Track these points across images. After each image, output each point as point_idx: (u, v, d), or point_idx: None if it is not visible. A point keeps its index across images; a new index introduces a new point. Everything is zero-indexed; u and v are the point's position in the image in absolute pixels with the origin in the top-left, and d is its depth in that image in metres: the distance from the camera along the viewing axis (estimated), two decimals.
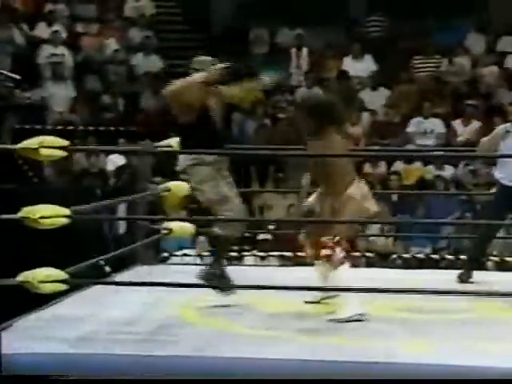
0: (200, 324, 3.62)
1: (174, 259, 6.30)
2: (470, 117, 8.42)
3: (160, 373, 2.99)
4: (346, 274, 3.66)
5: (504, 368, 2.93)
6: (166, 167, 7.82)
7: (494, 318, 3.69)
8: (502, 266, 6.29)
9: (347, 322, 3.58)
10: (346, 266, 3.67)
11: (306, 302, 3.88)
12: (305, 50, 9.57)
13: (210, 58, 4.01)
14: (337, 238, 3.64)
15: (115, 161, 8.12)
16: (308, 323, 3.61)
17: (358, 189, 3.80)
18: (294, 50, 9.60)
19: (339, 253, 3.65)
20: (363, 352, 3.11)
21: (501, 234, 6.47)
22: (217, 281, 3.83)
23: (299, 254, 6.44)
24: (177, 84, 3.95)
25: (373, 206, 3.81)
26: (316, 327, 3.54)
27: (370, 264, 6.53)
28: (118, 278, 4.55)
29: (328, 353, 3.11)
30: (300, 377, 2.96)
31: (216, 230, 3.86)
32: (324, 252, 3.66)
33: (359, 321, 3.59)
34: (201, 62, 4.02)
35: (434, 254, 6.88)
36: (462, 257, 6.27)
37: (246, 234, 7.07)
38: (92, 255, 4.07)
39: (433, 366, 2.95)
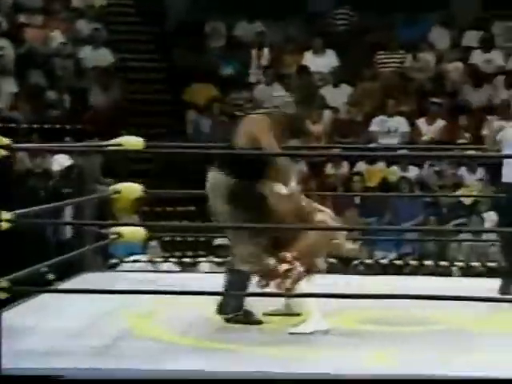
0: (149, 335, 3.57)
1: (123, 266, 6.22)
2: (435, 115, 8.51)
3: None
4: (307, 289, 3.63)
5: (467, 379, 2.95)
6: (116, 168, 7.76)
7: (466, 328, 3.71)
8: (468, 272, 6.36)
9: (308, 334, 3.55)
10: (304, 282, 3.64)
11: (265, 314, 3.85)
12: (264, 45, 9.56)
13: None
14: (293, 253, 3.62)
15: (61, 161, 8.00)
16: (265, 335, 3.59)
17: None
18: (252, 45, 9.59)
19: (298, 268, 3.62)
20: (310, 364, 3.12)
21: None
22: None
23: None
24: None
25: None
26: (273, 339, 3.52)
27: (330, 270, 6.53)
28: (64, 285, 4.46)
29: (276, 365, 3.10)
30: None
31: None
32: (283, 267, 3.64)
33: (320, 333, 3.56)
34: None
35: (398, 259, 6.93)
36: (426, 262, 6.34)
37: (202, 239, 7.06)
38: (34, 262, 3.98)
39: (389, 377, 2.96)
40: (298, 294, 3.62)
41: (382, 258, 6.94)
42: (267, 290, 3.73)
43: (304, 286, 3.64)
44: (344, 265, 6.84)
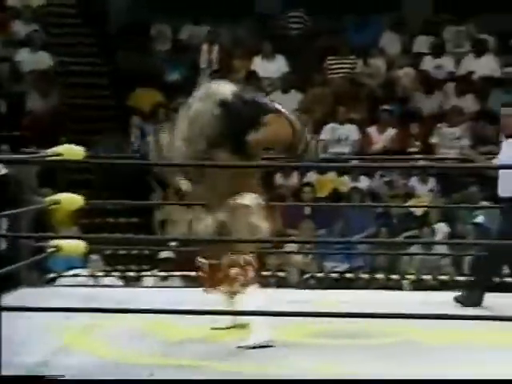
0: (87, 351, 3.60)
1: (62, 280, 6.20)
2: (386, 123, 8.67)
3: None
4: (256, 297, 3.70)
5: None
6: (55, 177, 7.72)
7: (413, 341, 3.80)
8: (419, 286, 6.49)
9: (254, 348, 3.62)
10: (255, 287, 3.72)
11: (213, 329, 3.90)
12: (212, 48, 9.61)
13: None
14: (246, 257, 3.69)
15: None
16: (211, 348, 3.64)
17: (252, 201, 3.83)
18: (200, 48, 9.63)
19: (249, 273, 3.69)
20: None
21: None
22: None
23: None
24: None
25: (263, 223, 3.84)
26: (219, 353, 3.57)
27: (281, 284, 6.62)
28: None
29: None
30: None
31: None
32: (232, 272, 3.70)
33: (267, 347, 3.64)
34: None
35: (349, 272, 7.04)
36: (377, 275, 6.46)
37: (146, 252, 7.07)
38: None
39: None
40: (250, 311, 3.66)
41: (333, 272, 7.03)
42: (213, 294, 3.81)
43: (253, 293, 3.70)
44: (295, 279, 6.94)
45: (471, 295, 4.54)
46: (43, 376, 2.99)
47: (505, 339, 3.72)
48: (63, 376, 2.99)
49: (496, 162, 4.80)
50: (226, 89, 3.88)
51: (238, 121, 3.84)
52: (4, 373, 3.25)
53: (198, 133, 3.85)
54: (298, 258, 7.19)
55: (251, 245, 3.85)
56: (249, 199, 3.84)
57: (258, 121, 3.84)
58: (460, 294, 4.61)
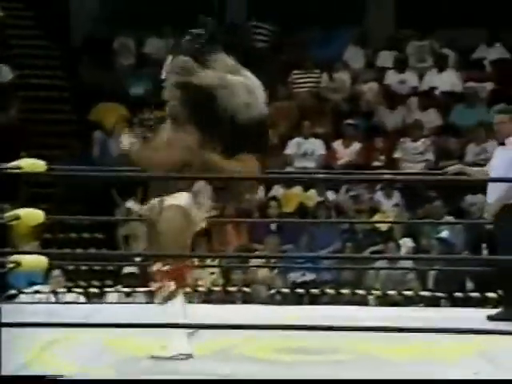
0: (48, 368, 3.51)
1: (23, 297, 6.09)
2: (351, 137, 8.71)
3: None
4: (177, 309, 3.64)
5: None
6: (16, 192, 7.61)
7: (373, 356, 3.81)
8: (384, 301, 6.51)
9: (171, 358, 3.57)
10: (178, 299, 3.67)
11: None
12: None
13: None
14: (167, 267, 3.63)
15: None
16: (173, 365, 3.59)
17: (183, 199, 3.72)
18: (163, 62, 9.59)
19: (169, 284, 3.64)
20: None
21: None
22: None
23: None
24: None
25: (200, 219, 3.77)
26: (181, 368, 3.52)
27: (246, 299, 6.59)
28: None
29: None
30: None
31: None
32: (154, 284, 3.67)
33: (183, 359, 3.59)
34: None
35: (315, 287, 7.03)
36: (343, 290, 6.46)
37: (109, 268, 7.00)
38: None
39: None
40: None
41: (299, 286, 7.02)
42: None
43: (176, 307, 3.64)
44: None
45: (508, 311, 4.52)
46: (43, 376, 2.96)
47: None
48: (62, 376, 2.97)
49: (487, 168, 4.80)
50: None
51: None
52: None
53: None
54: (264, 273, 7.17)
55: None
56: (181, 199, 3.72)
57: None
58: (495, 312, 4.58)
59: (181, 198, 3.74)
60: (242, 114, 3.84)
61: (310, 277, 7.23)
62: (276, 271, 7.28)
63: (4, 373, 3.43)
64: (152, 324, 3.64)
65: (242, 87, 3.83)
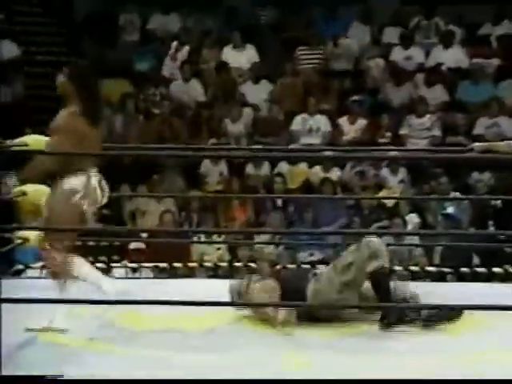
0: (55, 342, 3.54)
1: (30, 272, 6.08)
2: (356, 114, 8.66)
3: None
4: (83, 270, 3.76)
5: None
6: (22, 168, 7.58)
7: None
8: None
9: (46, 331, 3.63)
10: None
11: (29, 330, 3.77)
12: (181, 38, 9.53)
13: None
14: (55, 244, 3.74)
15: None
16: (176, 339, 3.58)
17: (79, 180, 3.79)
18: (169, 39, 9.55)
19: (59, 259, 3.73)
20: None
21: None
22: None
23: (176, 264, 6.41)
24: None
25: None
26: (185, 343, 3.52)
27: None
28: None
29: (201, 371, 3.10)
30: None
31: None
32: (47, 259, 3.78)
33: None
34: None
35: (321, 263, 7.01)
36: None
37: (116, 243, 6.99)
38: None
39: None
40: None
41: (305, 263, 7.00)
42: None
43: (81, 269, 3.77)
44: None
45: None
46: (43, 376, 2.97)
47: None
48: (62, 376, 2.97)
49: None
50: None
51: None
52: None
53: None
54: (270, 249, 7.16)
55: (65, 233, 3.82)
56: (74, 181, 3.79)
57: None
58: None
59: (69, 182, 3.80)
60: None
61: (317, 256, 7.19)
62: (281, 248, 7.26)
63: (12, 347, 3.43)
64: (157, 301, 3.63)
65: None
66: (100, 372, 3.11)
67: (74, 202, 3.78)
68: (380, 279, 3.81)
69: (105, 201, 3.95)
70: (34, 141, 4.19)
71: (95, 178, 3.86)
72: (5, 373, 3.12)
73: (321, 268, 4.09)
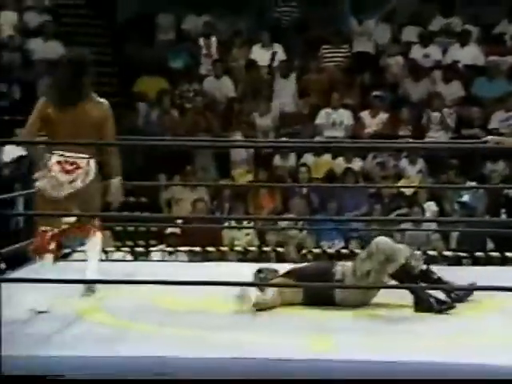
0: (100, 322, 3.55)
1: (76, 255, 6.14)
2: (378, 108, 8.61)
3: (57, 373, 2.92)
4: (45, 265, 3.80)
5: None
6: None
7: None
8: None
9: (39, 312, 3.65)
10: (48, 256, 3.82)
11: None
12: (213, 38, 9.53)
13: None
14: (44, 228, 3.80)
15: (12, 152, 7.84)
16: (213, 320, 3.59)
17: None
18: (202, 38, 9.55)
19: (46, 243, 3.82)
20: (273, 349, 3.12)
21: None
22: None
23: (208, 249, 6.43)
24: None
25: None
26: (223, 325, 3.52)
27: (280, 259, 6.57)
28: (15, 274, 4.40)
29: (237, 351, 3.09)
30: (205, 376, 2.94)
31: None
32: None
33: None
34: None
35: (344, 248, 7.00)
36: None
37: (153, 229, 7.03)
38: None
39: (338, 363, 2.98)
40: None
41: (329, 248, 7.00)
42: None
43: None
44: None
45: None
46: (45, 376, 2.89)
47: None
48: (63, 376, 2.90)
49: None
50: None
51: None
52: (19, 340, 3.21)
53: None
54: (297, 234, 7.15)
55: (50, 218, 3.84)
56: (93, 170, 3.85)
57: None
58: None
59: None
60: None
61: (339, 245, 7.16)
62: (305, 232, 7.24)
63: (57, 325, 3.45)
64: (192, 282, 3.64)
65: None
66: (145, 351, 3.09)
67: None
68: (403, 276, 3.76)
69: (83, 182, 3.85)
70: None
71: (58, 158, 3.80)
72: (54, 350, 3.10)
73: (340, 267, 3.96)
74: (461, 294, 3.80)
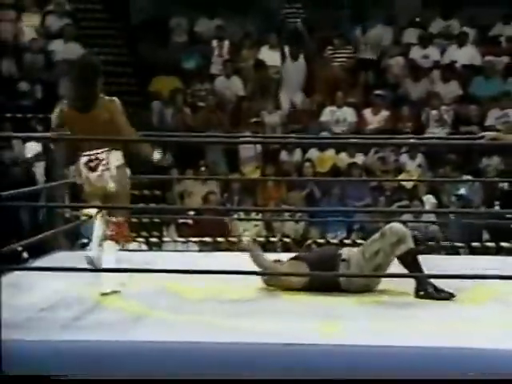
0: (118, 308, 3.54)
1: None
2: (379, 106, 8.58)
3: (80, 358, 2.90)
4: (109, 253, 3.84)
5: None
6: None
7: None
8: None
9: (106, 295, 3.70)
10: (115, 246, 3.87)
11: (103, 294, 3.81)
12: (224, 40, 9.50)
13: None
14: (117, 219, 3.87)
15: (34, 148, 7.85)
16: (227, 307, 3.57)
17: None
18: (214, 40, 9.52)
19: (117, 232, 3.86)
20: (280, 334, 3.10)
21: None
22: None
23: (219, 239, 6.42)
24: None
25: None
26: (234, 311, 3.50)
27: (286, 249, 6.56)
28: (37, 264, 4.39)
29: (248, 336, 3.07)
30: (221, 360, 2.93)
31: None
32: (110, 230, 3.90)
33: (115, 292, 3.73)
34: None
35: (347, 238, 6.98)
36: None
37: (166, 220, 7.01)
38: (10, 241, 3.91)
39: (346, 347, 2.96)
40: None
41: (333, 238, 6.98)
42: None
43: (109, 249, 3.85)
44: (297, 245, 6.87)
45: None
46: (49, 376, 2.84)
47: None
48: (66, 376, 2.86)
49: None
50: None
51: None
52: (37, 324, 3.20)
53: None
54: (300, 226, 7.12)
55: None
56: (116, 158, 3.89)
57: None
58: None
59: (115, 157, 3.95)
60: None
61: (342, 236, 7.14)
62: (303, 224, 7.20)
63: (77, 311, 3.44)
64: (202, 270, 3.63)
65: None
66: (159, 336, 3.08)
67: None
68: (410, 260, 3.73)
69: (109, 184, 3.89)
70: None
71: (84, 159, 3.89)
72: (73, 335, 3.09)
73: (346, 250, 3.94)
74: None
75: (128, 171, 4.03)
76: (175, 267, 3.70)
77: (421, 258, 3.83)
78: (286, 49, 9.28)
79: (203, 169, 7.69)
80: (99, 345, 2.99)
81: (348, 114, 8.60)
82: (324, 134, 8.23)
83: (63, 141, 4.06)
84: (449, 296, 3.68)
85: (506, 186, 7.35)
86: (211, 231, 6.67)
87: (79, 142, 3.91)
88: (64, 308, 3.52)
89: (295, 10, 9.75)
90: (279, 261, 4.00)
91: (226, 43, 9.47)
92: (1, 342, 2.90)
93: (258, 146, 8.17)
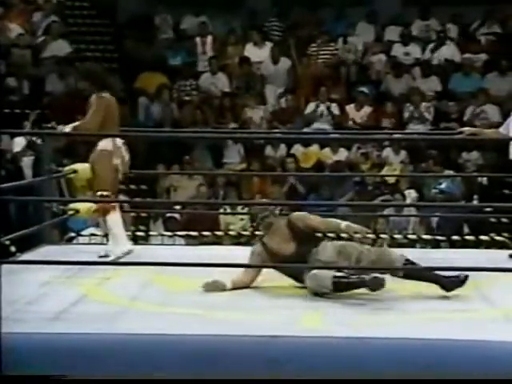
0: (103, 301, 3.51)
1: (81, 239, 6.08)
2: (362, 102, 8.57)
3: (62, 351, 2.86)
4: (115, 218, 4.21)
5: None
6: (75, 151, 7.57)
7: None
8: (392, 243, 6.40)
9: (119, 258, 4.01)
10: (113, 213, 4.21)
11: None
12: (209, 37, 9.45)
13: None
14: (101, 193, 4.18)
15: (21, 143, 7.77)
16: (208, 299, 3.55)
17: (110, 143, 4.28)
18: (199, 37, 9.47)
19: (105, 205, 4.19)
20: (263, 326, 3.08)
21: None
22: None
23: (204, 233, 6.37)
24: None
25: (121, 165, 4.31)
26: (216, 302, 3.48)
27: None
28: (24, 257, 4.35)
29: (230, 328, 3.05)
30: (207, 352, 2.90)
31: None
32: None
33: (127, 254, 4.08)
34: None
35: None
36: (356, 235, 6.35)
37: (153, 214, 6.96)
38: None
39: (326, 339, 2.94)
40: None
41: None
42: None
43: (114, 217, 4.22)
44: None
45: None
46: (48, 376, 2.80)
47: None
48: (66, 376, 2.82)
49: (502, 129, 4.50)
50: None
51: None
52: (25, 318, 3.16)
53: None
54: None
55: (108, 184, 4.23)
56: (106, 143, 4.24)
57: None
58: None
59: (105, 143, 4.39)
60: None
61: None
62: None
63: (62, 304, 3.40)
64: (190, 263, 3.60)
65: None
66: (143, 328, 3.05)
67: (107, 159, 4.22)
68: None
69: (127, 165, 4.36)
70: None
71: (119, 141, 4.32)
72: (59, 327, 3.06)
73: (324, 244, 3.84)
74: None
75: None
76: (161, 260, 3.67)
77: (402, 251, 3.83)
78: (271, 46, 9.25)
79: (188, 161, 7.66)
80: (85, 337, 2.95)
81: (331, 109, 8.57)
82: (308, 129, 8.22)
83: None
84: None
85: (484, 180, 7.36)
86: (198, 225, 6.63)
87: (112, 126, 4.26)
88: (51, 301, 3.48)
89: (279, 9, 9.72)
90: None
91: (211, 40, 9.42)
92: (1, 342, 2.85)
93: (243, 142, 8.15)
